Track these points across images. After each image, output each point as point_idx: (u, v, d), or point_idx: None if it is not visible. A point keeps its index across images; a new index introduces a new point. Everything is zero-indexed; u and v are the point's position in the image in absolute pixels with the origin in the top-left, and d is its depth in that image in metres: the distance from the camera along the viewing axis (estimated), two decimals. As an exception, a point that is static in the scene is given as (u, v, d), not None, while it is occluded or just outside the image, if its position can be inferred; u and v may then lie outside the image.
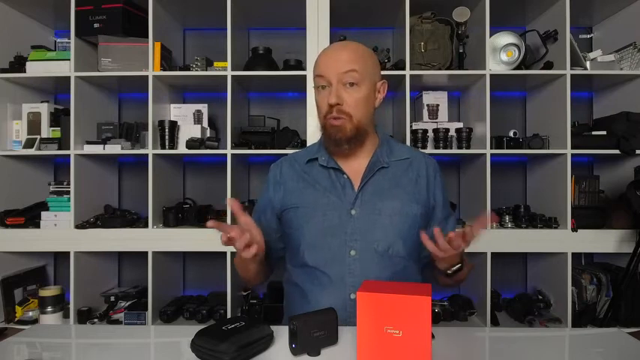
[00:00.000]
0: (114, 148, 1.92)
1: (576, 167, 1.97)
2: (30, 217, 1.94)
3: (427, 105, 2.07)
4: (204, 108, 2.08)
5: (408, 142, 1.89)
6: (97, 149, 1.92)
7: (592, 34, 2.24)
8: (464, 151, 1.95)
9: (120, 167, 2.31)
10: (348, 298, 1.06)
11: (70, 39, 1.91)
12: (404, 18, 1.85)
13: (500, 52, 1.90)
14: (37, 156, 2.03)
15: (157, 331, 1.24)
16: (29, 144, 1.95)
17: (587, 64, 1.94)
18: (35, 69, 1.93)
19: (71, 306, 1.88)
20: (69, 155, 1.88)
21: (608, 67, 1.93)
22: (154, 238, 1.89)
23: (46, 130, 2.02)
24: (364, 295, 0.76)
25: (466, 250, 1.22)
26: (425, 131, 1.96)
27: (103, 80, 2.00)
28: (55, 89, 2.24)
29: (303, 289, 1.11)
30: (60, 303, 1.92)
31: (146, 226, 1.90)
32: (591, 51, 2.07)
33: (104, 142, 1.94)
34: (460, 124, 2.03)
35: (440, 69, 1.94)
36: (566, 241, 1.84)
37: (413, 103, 2.18)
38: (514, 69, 1.91)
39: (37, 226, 1.91)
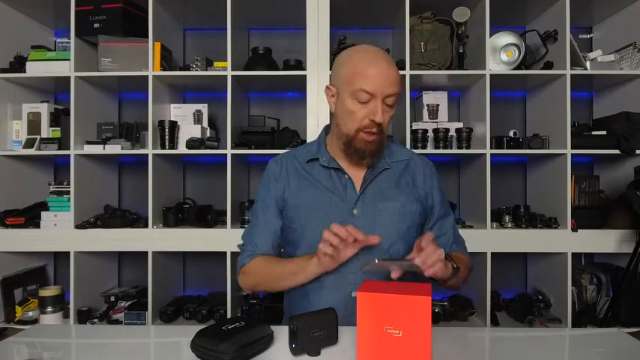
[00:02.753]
0: (114, 148, 1.92)
1: (576, 167, 1.97)
2: (30, 217, 1.94)
3: (427, 105, 2.07)
4: (204, 108, 2.08)
5: (407, 142, 1.89)
6: (97, 149, 1.92)
7: (592, 34, 2.24)
8: (464, 151, 1.95)
9: (120, 167, 2.31)
10: (349, 297, 1.06)
11: (70, 39, 1.91)
12: (404, 18, 1.85)
13: (500, 52, 1.90)
14: (37, 156, 2.03)
15: (157, 331, 1.24)
16: (29, 144, 1.94)
17: (587, 64, 1.94)
18: (35, 69, 1.93)
19: (71, 306, 1.88)
20: (69, 155, 1.89)
21: (608, 67, 1.93)
22: (154, 238, 1.89)
23: (46, 130, 2.02)
24: (364, 295, 0.76)
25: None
26: (425, 131, 1.96)
27: (103, 80, 2.00)
28: (55, 89, 2.24)
29: (304, 287, 1.11)
30: (60, 303, 1.92)
31: (146, 226, 1.90)
32: (591, 51, 2.07)
33: (104, 142, 1.94)
34: (460, 124, 2.03)
35: (440, 69, 1.94)
36: (566, 241, 1.84)
37: (413, 103, 2.18)
38: (514, 69, 1.91)
39: (37, 226, 1.91)
